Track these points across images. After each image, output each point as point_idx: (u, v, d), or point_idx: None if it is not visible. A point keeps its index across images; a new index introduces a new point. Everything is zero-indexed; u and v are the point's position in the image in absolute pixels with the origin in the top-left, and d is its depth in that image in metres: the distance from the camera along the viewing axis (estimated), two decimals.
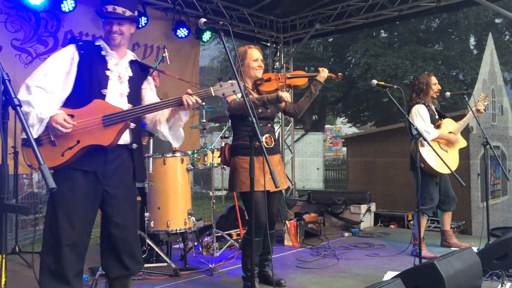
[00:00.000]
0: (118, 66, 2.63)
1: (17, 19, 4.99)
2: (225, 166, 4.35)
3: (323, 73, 3.43)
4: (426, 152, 4.30)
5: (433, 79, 4.60)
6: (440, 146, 4.49)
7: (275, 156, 3.47)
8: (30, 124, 2.32)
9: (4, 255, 1.29)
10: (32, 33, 5.11)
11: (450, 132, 4.59)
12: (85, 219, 2.52)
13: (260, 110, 3.33)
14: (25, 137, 2.27)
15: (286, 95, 3.20)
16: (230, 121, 3.56)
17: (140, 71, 2.75)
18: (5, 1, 4.85)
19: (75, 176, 2.48)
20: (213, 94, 2.55)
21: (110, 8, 2.55)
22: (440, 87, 4.66)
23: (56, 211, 2.45)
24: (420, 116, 4.41)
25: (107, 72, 2.58)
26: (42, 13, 5.13)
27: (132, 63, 2.71)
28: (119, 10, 2.55)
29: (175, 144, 2.84)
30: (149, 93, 2.81)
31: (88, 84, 2.53)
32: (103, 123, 2.47)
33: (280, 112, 3.59)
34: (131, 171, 2.69)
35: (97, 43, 2.62)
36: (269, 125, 3.46)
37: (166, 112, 2.70)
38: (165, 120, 2.72)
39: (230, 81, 2.53)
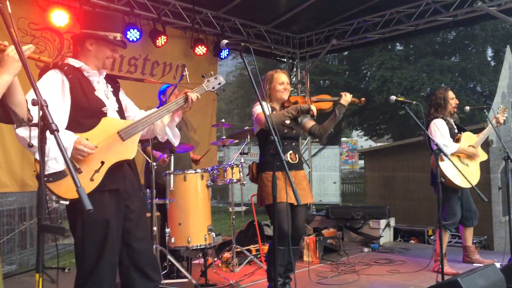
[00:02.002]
0: (100, 84, 2.64)
1: (42, 40, 5.16)
2: (244, 182, 4.42)
3: (346, 97, 3.57)
4: (446, 167, 4.28)
5: (450, 94, 4.60)
6: (460, 160, 4.46)
7: (299, 172, 3.56)
8: (52, 157, 2.25)
9: (41, 274, 1.34)
10: (56, 54, 5.28)
11: (469, 146, 4.56)
12: (115, 239, 2.48)
13: (285, 131, 3.47)
14: (48, 172, 2.23)
15: (315, 108, 3.42)
16: (257, 139, 3.69)
17: (113, 83, 2.77)
18: (30, 23, 5.02)
19: (104, 197, 2.45)
20: (206, 89, 2.84)
21: (117, 36, 2.61)
22: (457, 101, 4.65)
23: (88, 235, 2.42)
24: (438, 130, 4.41)
25: (95, 92, 2.57)
26: (66, 34, 5.30)
27: (106, 77, 2.72)
28: (120, 37, 2.64)
29: (175, 142, 2.91)
30: (129, 102, 2.86)
31: (87, 107, 2.49)
32: (122, 138, 2.49)
33: (305, 133, 3.75)
34: (138, 183, 2.74)
35: (77, 65, 2.56)
36: (294, 143, 3.58)
37: (167, 116, 2.78)
38: (167, 123, 2.82)
39: (213, 76, 2.84)
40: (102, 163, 2.40)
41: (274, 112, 3.47)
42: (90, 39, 2.56)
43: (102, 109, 2.53)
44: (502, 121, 4.59)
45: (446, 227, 4.39)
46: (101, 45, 2.57)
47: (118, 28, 2.69)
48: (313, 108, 3.42)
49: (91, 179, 2.35)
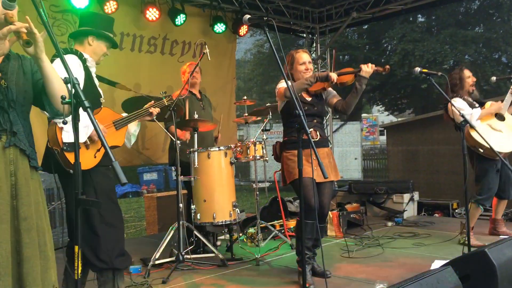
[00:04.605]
0: (95, 76, 2.97)
1: (63, 23, 5.20)
2: (267, 159, 4.44)
3: (367, 68, 3.45)
4: (479, 136, 4.16)
5: (466, 72, 4.46)
6: (492, 127, 4.34)
7: (322, 149, 3.55)
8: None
9: (80, 246, 1.39)
10: None
11: (496, 114, 4.43)
12: None
13: (306, 108, 3.46)
14: (67, 142, 2.54)
15: (334, 75, 3.37)
16: (281, 116, 3.73)
17: None
18: (52, 6, 5.06)
19: (107, 172, 2.84)
20: (166, 104, 3.51)
21: (112, 36, 3.02)
22: (475, 79, 4.52)
23: (110, 202, 2.80)
24: (456, 108, 4.28)
25: (96, 83, 2.93)
26: None
27: None
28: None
29: (129, 145, 3.24)
30: None
31: (91, 94, 2.79)
32: (115, 127, 2.94)
33: (330, 109, 3.75)
34: None
35: (84, 56, 2.87)
36: (315, 121, 3.56)
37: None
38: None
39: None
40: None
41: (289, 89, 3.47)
42: (92, 36, 2.90)
43: (100, 99, 2.93)
44: None
45: (480, 202, 4.32)
46: (101, 42, 2.93)
47: (112, 29, 3.11)
48: (332, 75, 3.35)
49: (95, 156, 2.74)
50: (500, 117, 4.43)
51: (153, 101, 3.33)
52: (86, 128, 2.62)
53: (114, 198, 2.89)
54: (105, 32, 2.94)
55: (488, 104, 4.50)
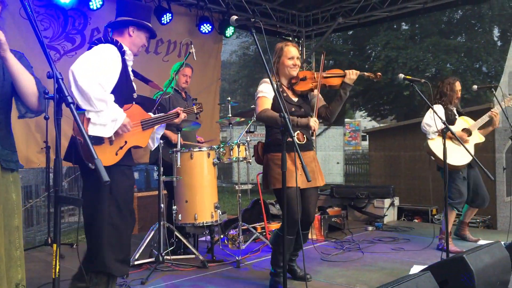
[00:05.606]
0: (131, 70, 2.86)
1: (46, 17, 5.11)
2: (250, 161, 4.43)
3: (351, 75, 3.35)
4: (435, 145, 4.35)
5: (458, 85, 4.57)
6: (452, 141, 4.40)
7: (308, 152, 3.40)
8: (102, 123, 2.43)
9: (58, 245, 1.36)
10: (60, 31, 5.23)
11: (464, 128, 4.52)
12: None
13: (293, 109, 3.30)
14: (92, 134, 2.40)
15: (315, 125, 3.22)
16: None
17: None
18: (35, 0, 4.97)
19: (126, 171, 2.72)
20: (196, 111, 3.67)
21: (150, 26, 2.86)
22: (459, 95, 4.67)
23: (116, 203, 2.63)
24: (430, 113, 4.33)
25: (131, 77, 2.82)
26: (70, 11, 5.24)
27: None
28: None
29: (152, 147, 3.15)
30: None
31: (125, 88, 2.71)
32: (142, 127, 2.80)
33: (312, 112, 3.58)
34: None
35: (124, 48, 2.73)
36: None
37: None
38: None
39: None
40: (125, 142, 2.68)
41: (267, 110, 3.24)
42: (133, 26, 2.77)
43: (133, 94, 2.80)
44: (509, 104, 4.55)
45: (453, 205, 4.40)
46: (141, 33, 2.79)
47: (150, 19, 2.92)
48: (314, 125, 3.22)
49: (116, 154, 2.61)
50: (467, 131, 4.51)
51: (179, 108, 3.32)
52: (113, 123, 2.48)
53: (129, 201, 2.73)
54: (145, 22, 2.81)
55: (463, 119, 4.58)
